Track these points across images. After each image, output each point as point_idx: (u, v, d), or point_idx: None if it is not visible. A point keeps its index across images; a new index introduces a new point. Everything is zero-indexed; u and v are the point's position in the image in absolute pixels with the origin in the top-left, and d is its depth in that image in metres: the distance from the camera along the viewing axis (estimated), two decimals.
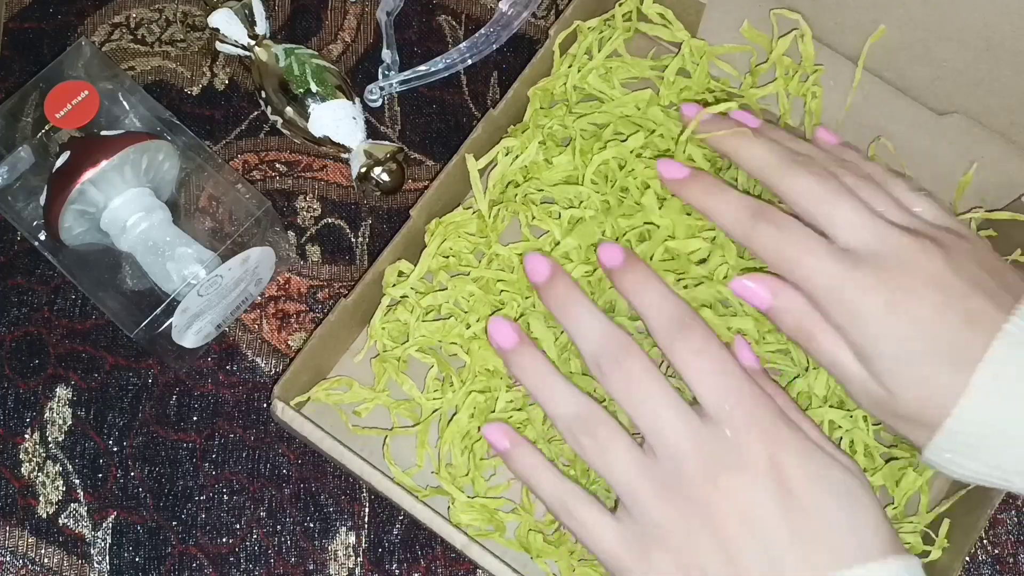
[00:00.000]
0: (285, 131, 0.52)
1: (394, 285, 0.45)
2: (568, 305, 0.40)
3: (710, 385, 0.36)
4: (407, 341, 0.45)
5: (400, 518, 0.46)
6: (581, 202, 0.46)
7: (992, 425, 0.36)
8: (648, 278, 0.40)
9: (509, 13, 0.55)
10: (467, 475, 0.44)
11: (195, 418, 0.48)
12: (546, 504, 0.39)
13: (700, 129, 0.43)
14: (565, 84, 0.49)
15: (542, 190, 0.47)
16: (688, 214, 0.45)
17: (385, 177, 0.49)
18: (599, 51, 0.50)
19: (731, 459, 0.35)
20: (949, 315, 0.36)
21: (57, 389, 0.48)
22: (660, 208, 0.45)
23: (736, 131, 0.42)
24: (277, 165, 0.52)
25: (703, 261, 0.44)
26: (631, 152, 0.46)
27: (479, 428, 0.43)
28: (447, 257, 0.46)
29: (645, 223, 0.45)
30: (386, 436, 0.45)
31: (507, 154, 0.47)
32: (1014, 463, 0.36)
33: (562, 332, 0.44)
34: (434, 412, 0.45)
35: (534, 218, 0.46)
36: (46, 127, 0.46)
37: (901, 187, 0.41)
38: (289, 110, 0.50)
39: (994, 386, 0.35)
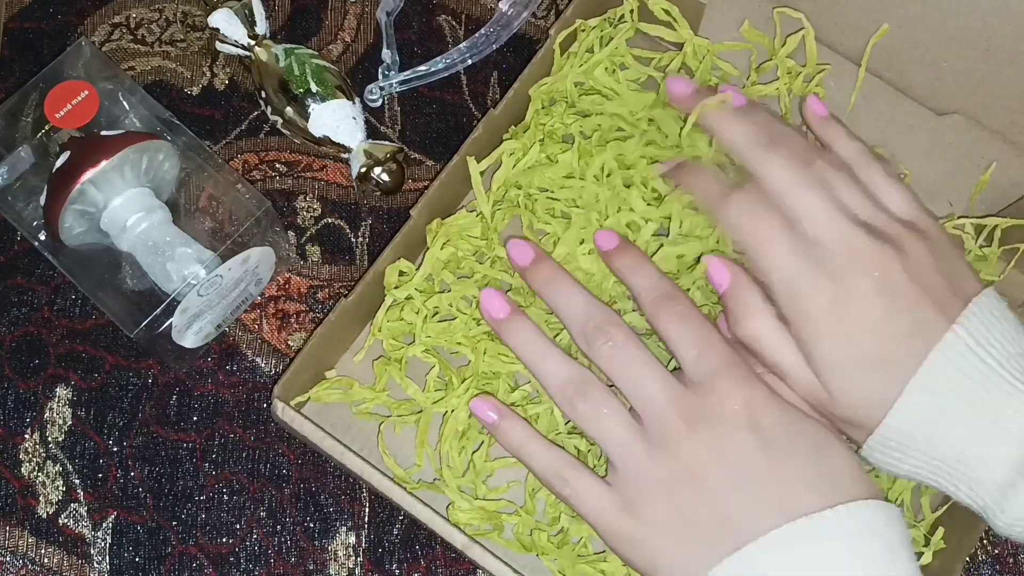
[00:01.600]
0: (285, 131, 0.52)
1: (396, 286, 0.45)
2: (553, 283, 0.42)
3: (690, 347, 0.39)
4: (412, 341, 0.45)
5: (400, 518, 0.46)
6: (576, 201, 0.46)
7: (921, 432, 0.37)
8: (639, 259, 0.42)
9: (509, 13, 0.55)
10: (465, 475, 0.44)
11: (195, 418, 0.48)
12: (538, 474, 0.40)
13: (688, 103, 0.44)
14: (567, 82, 0.49)
15: (545, 190, 0.47)
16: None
17: (385, 177, 0.49)
18: (601, 48, 0.50)
19: (710, 413, 0.37)
20: (894, 324, 0.37)
21: (57, 389, 0.48)
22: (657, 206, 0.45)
23: (720, 98, 0.43)
24: (277, 165, 0.52)
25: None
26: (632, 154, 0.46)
27: (472, 409, 0.43)
28: (449, 261, 0.46)
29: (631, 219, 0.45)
30: (381, 424, 0.45)
31: (510, 155, 0.47)
32: (939, 465, 0.37)
33: (559, 333, 0.44)
34: (434, 410, 0.45)
35: (537, 220, 0.46)
36: (46, 127, 0.46)
37: (877, 174, 0.41)
38: (289, 110, 0.50)
39: (926, 395, 0.36)
